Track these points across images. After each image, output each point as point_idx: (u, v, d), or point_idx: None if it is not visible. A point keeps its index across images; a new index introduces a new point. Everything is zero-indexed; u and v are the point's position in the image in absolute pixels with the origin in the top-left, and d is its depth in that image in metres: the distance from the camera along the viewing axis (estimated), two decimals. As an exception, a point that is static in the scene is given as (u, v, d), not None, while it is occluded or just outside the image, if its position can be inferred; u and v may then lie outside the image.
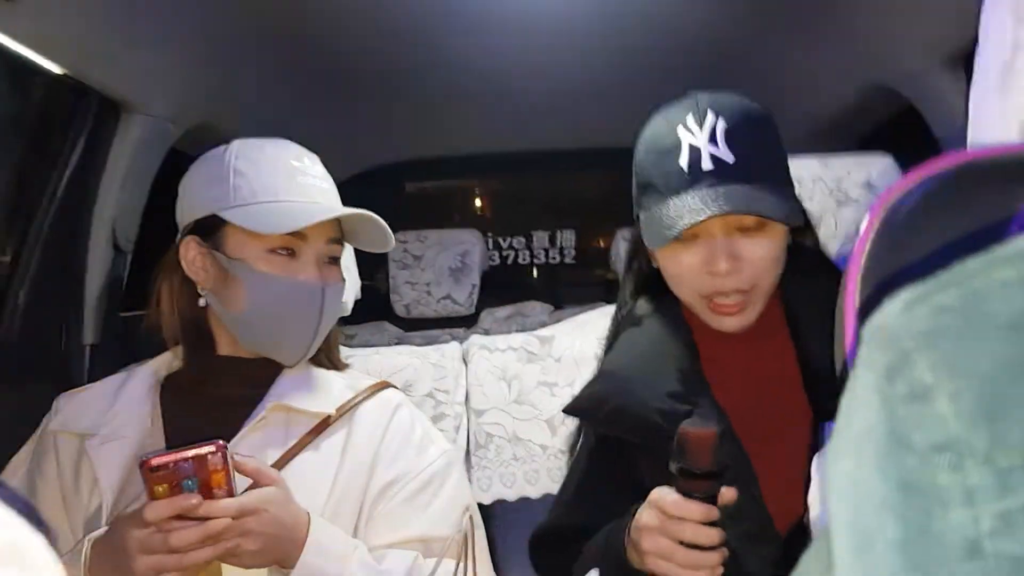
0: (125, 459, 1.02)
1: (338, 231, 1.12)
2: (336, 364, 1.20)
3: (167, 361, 1.15)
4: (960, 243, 0.28)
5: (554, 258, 3.85)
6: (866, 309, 0.30)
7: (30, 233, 1.43)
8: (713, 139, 0.93)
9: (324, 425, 1.08)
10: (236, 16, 1.58)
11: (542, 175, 3.89)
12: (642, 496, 0.95)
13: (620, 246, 2.74)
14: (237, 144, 1.10)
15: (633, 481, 1.02)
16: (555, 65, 2.14)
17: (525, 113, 2.54)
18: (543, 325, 1.71)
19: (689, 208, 0.92)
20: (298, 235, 1.05)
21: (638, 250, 1.12)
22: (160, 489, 0.86)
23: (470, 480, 1.38)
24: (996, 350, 0.22)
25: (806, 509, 0.85)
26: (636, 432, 1.00)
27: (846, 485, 0.24)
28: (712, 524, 0.82)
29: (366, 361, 1.45)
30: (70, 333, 1.50)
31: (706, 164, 0.93)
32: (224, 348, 1.12)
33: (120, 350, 1.56)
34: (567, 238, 3.85)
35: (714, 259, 0.95)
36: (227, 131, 1.72)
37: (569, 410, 1.10)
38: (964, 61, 1.57)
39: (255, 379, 1.10)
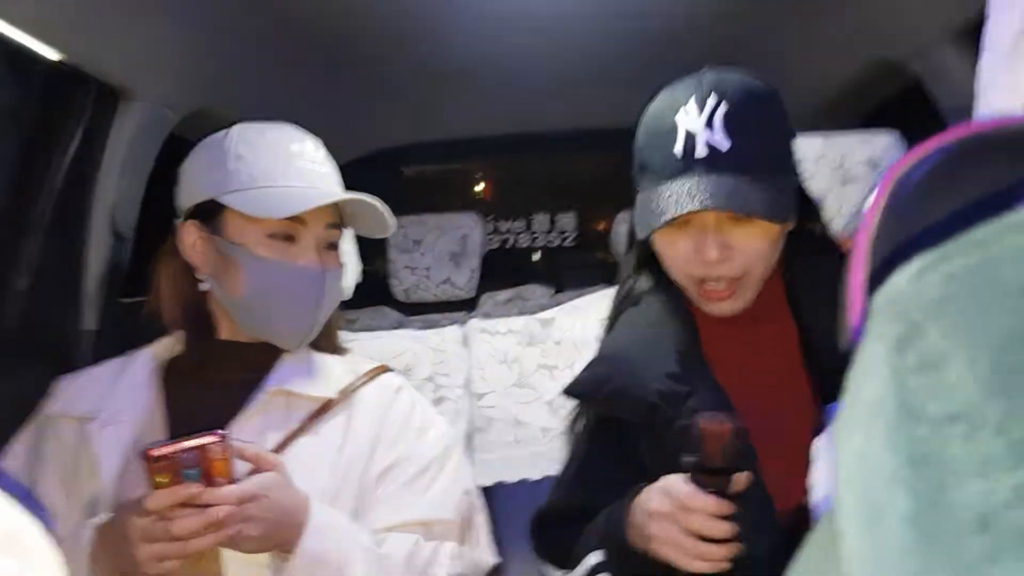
0: (125, 443, 1.02)
1: (338, 216, 1.11)
2: (336, 348, 1.20)
3: (168, 346, 1.15)
4: (968, 212, 0.27)
5: (554, 241, 3.85)
6: (873, 283, 0.30)
7: (30, 220, 1.42)
8: (710, 124, 0.92)
9: (324, 409, 1.08)
10: (234, 1, 1.57)
11: (542, 158, 3.88)
12: (642, 476, 0.95)
13: (621, 229, 2.73)
14: (237, 129, 1.10)
15: (633, 462, 1.02)
16: (555, 46, 2.13)
17: (524, 95, 2.52)
18: (543, 308, 1.71)
19: (676, 198, 0.91)
20: (297, 220, 1.04)
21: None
22: (161, 479, 0.86)
23: (471, 463, 1.38)
24: (1010, 318, 0.21)
25: (807, 491, 0.85)
26: (636, 413, 1.00)
27: (854, 460, 0.24)
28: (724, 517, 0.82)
29: (366, 345, 1.44)
30: (71, 319, 1.50)
31: (700, 151, 0.92)
32: (224, 333, 1.12)
33: (121, 336, 1.55)
34: (567, 221, 3.85)
35: (704, 247, 0.95)
36: (226, 116, 1.71)
37: (569, 392, 1.09)
38: (972, 35, 1.55)
39: (255, 363, 1.10)
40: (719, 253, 0.94)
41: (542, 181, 4.09)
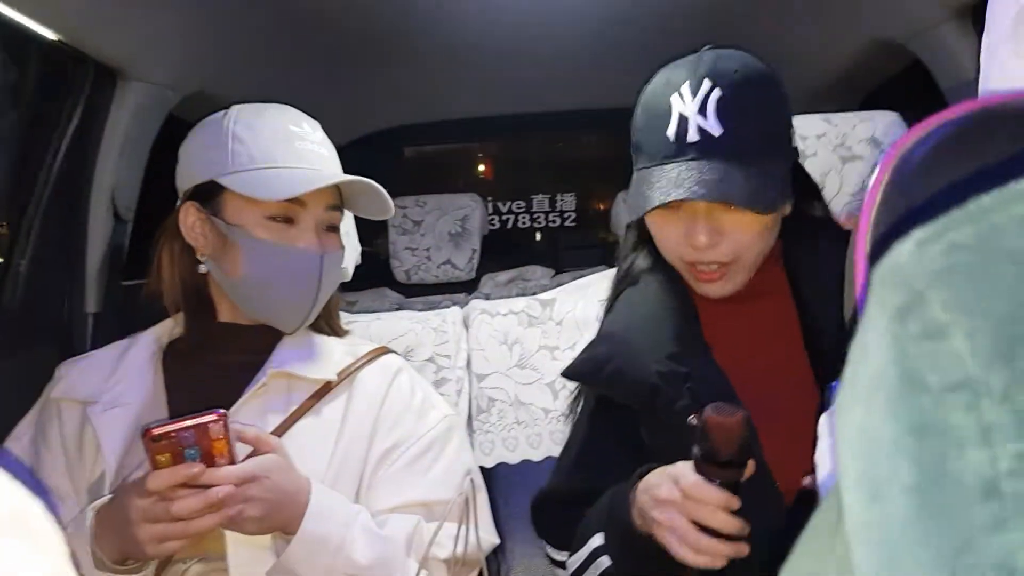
0: (128, 425, 1.03)
1: (337, 198, 1.11)
2: (336, 330, 1.20)
3: (168, 328, 1.15)
4: (969, 184, 0.27)
5: (554, 221, 3.84)
6: (875, 257, 0.30)
7: (30, 203, 1.42)
8: (703, 110, 0.92)
9: (325, 391, 1.08)
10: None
11: (541, 138, 3.87)
12: (643, 458, 0.95)
13: (620, 208, 2.73)
14: (236, 109, 1.10)
15: (634, 443, 1.03)
16: (554, 26, 2.11)
17: (524, 76, 2.51)
18: (544, 289, 1.71)
19: (664, 183, 0.92)
20: (297, 202, 1.04)
21: None
22: (162, 459, 0.86)
23: (472, 444, 1.38)
24: (1013, 287, 0.21)
25: (810, 469, 0.86)
26: (636, 395, 1.00)
27: (857, 433, 0.24)
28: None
29: (367, 327, 1.44)
30: (72, 302, 1.50)
31: (692, 136, 0.92)
32: (225, 315, 1.12)
33: (122, 318, 1.56)
34: (567, 201, 3.84)
35: (694, 232, 0.95)
36: (225, 97, 1.70)
37: (568, 373, 1.10)
38: (971, 15, 1.54)
39: (256, 346, 1.10)
40: (708, 239, 0.94)
41: (542, 161, 4.08)
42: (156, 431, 0.85)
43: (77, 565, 0.90)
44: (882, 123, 1.38)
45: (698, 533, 0.81)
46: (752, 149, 0.93)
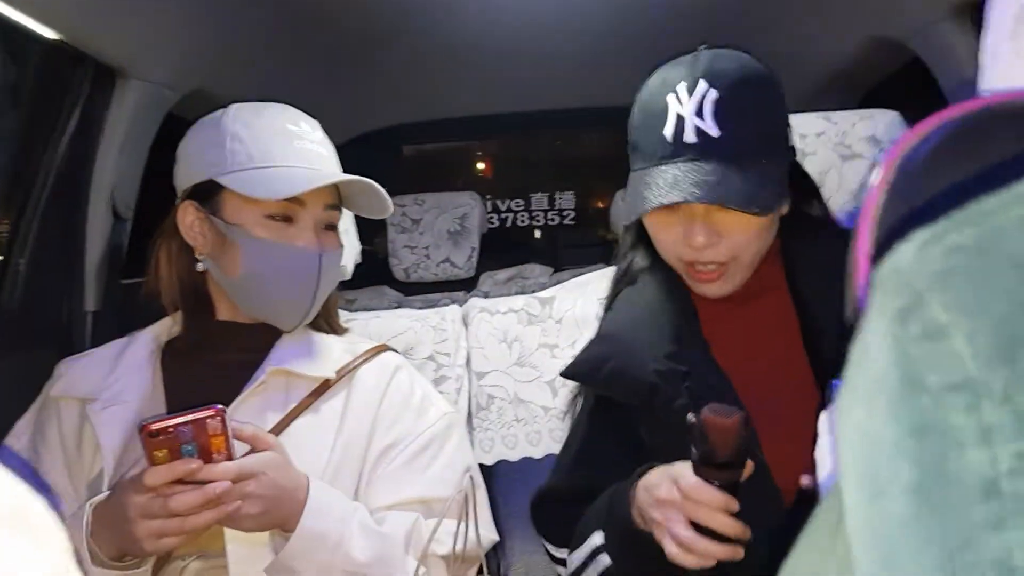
0: (126, 423, 1.03)
1: (336, 197, 1.11)
2: (335, 328, 1.20)
3: (167, 327, 1.15)
4: (969, 185, 0.27)
5: (553, 219, 3.84)
6: (877, 258, 0.30)
7: (29, 201, 1.42)
8: (700, 111, 0.92)
9: (323, 389, 1.08)
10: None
11: (540, 136, 3.87)
12: (642, 457, 0.95)
13: (619, 206, 2.73)
14: (235, 108, 1.09)
15: (633, 442, 1.03)
16: (553, 25, 2.11)
17: (523, 74, 2.51)
18: (543, 287, 1.71)
19: (662, 185, 0.91)
20: (296, 201, 1.04)
21: None
22: (160, 454, 0.86)
23: (472, 442, 1.38)
24: (1013, 289, 0.21)
25: (810, 467, 0.86)
26: (635, 394, 1.00)
27: (858, 433, 0.24)
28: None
29: (366, 325, 1.45)
30: (71, 300, 1.50)
31: (689, 136, 0.92)
32: (223, 313, 1.12)
33: (121, 317, 1.56)
34: (566, 199, 3.84)
35: (692, 233, 0.95)
36: (225, 95, 1.69)
37: (567, 373, 1.10)
38: (971, 12, 1.54)
39: (254, 344, 1.10)
40: (706, 239, 0.94)
41: (541, 160, 4.08)
42: (153, 426, 0.85)
43: (80, 562, 0.90)
44: (882, 121, 1.38)
45: (691, 533, 0.81)
46: (749, 150, 0.93)
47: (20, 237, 1.41)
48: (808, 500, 0.80)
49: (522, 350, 1.44)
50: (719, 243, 0.95)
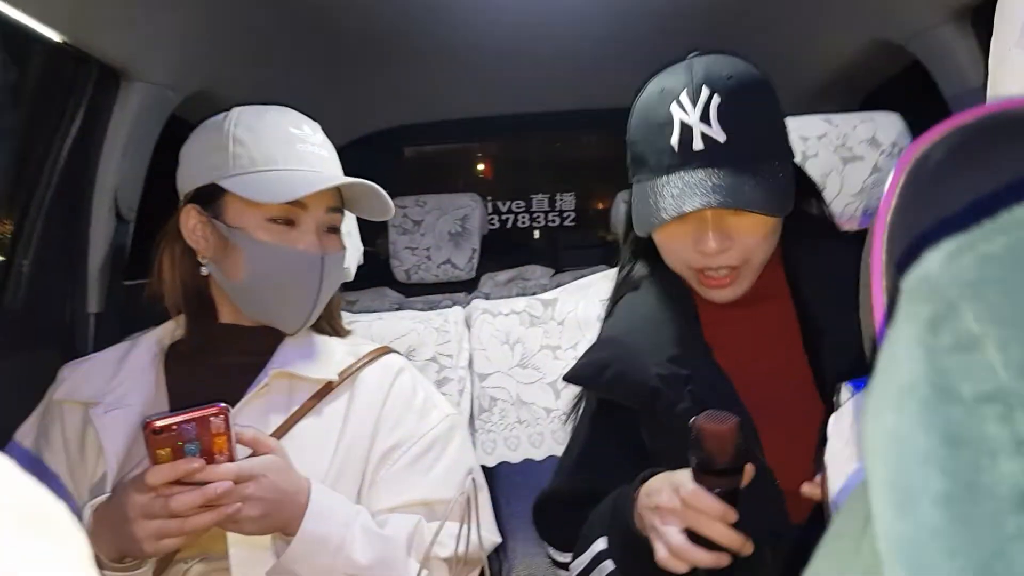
0: (130, 427, 1.03)
1: (338, 200, 1.11)
2: (338, 330, 1.20)
3: (170, 330, 1.15)
4: (994, 195, 0.27)
5: (554, 221, 3.84)
6: (900, 265, 0.30)
7: (32, 202, 1.42)
8: (706, 117, 0.92)
9: (326, 391, 1.08)
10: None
11: (541, 138, 3.87)
12: (644, 461, 0.96)
13: (620, 208, 2.73)
14: (237, 111, 1.10)
15: (636, 445, 1.03)
16: (554, 26, 2.11)
17: (524, 75, 2.51)
18: (544, 288, 1.71)
19: (676, 194, 0.91)
20: (298, 204, 1.04)
21: None
22: (163, 453, 0.86)
23: (474, 444, 1.38)
24: None
25: (811, 470, 0.86)
26: (637, 398, 1.00)
27: (887, 442, 0.24)
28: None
29: (369, 327, 1.45)
30: (74, 302, 1.50)
31: (697, 144, 0.92)
32: (226, 316, 1.12)
33: (124, 318, 1.56)
34: (566, 201, 3.84)
35: (703, 238, 0.95)
36: (226, 97, 1.70)
37: (570, 378, 1.09)
38: (971, 16, 1.54)
39: (257, 347, 1.10)
40: (718, 244, 0.94)
41: (542, 161, 4.08)
42: (157, 424, 0.85)
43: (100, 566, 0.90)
44: (883, 124, 1.38)
45: (682, 539, 0.81)
46: (756, 152, 0.93)
47: (23, 238, 1.41)
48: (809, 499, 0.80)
49: (524, 352, 1.44)
50: (731, 247, 0.95)
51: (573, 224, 3.82)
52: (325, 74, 2.25)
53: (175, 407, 1.05)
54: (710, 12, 1.96)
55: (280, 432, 1.03)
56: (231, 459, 0.89)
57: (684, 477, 0.83)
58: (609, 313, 1.15)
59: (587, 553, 0.99)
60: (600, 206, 3.90)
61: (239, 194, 1.02)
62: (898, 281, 0.29)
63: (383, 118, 2.86)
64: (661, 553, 0.82)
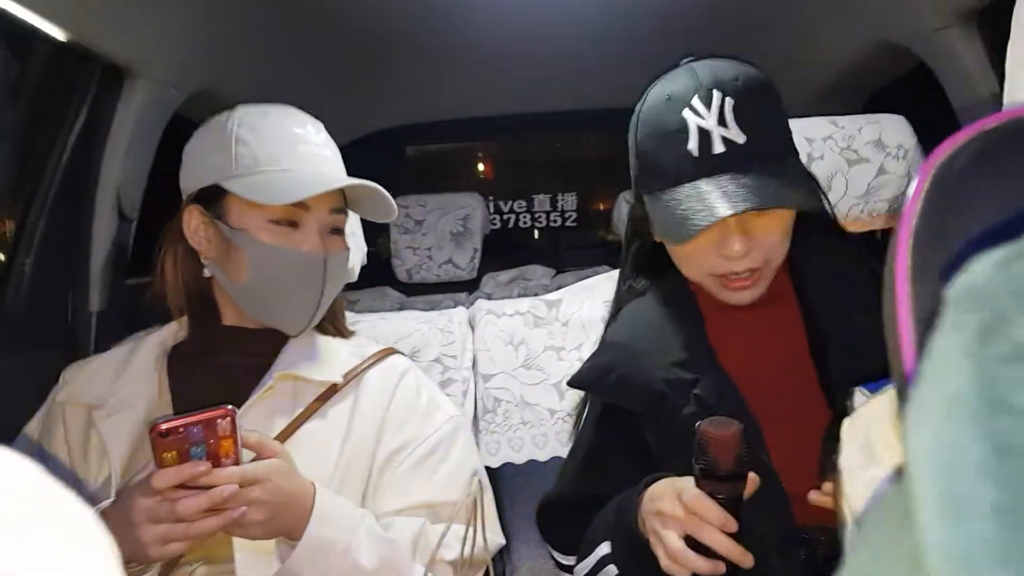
0: (133, 429, 1.02)
1: (341, 201, 1.10)
2: (342, 332, 1.20)
3: (173, 331, 1.15)
4: None
5: (555, 221, 3.83)
6: (926, 271, 0.30)
7: (35, 201, 1.42)
8: (722, 120, 0.91)
9: (331, 393, 1.08)
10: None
11: (542, 138, 3.87)
12: (649, 465, 0.95)
13: (621, 208, 2.74)
14: (240, 111, 1.09)
15: (640, 449, 1.03)
16: (555, 26, 2.11)
17: (525, 75, 2.51)
18: (545, 288, 1.71)
19: (706, 200, 0.90)
20: (301, 205, 1.03)
21: (638, 228, 1.11)
22: (168, 456, 0.85)
23: (478, 445, 1.38)
24: None
25: (817, 474, 0.86)
26: (641, 402, 1.00)
27: (934, 452, 0.24)
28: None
29: (373, 327, 1.44)
30: (76, 301, 1.50)
31: (717, 147, 0.91)
32: (229, 318, 1.12)
33: (126, 317, 1.56)
34: (568, 201, 3.83)
35: (727, 242, 0.94)
36: (230, 96, 1.69)
37: (574, 382, 1.09)
38: (976, 18, 1.54)
39: (261, 349, 1.10)
40: (742, 247, 0.93)
41: (543, 161, 4.07)
42: (164, 426, 0.85)
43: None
44: (888, 126, 1.38)
45: (680, 545, 0.80)
46: (776, 150, 0.93)
47: (25, 237, 1.41)
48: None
49: (528, 352, 1.44)
50: (755, 248, 0.95)
51: (575, 224, 3.82)
52: (327, 73, 2.25)
53: (179, 409, 1.05)
54: (711, 12, 1.96)
55: (285, 435, 1.02)
56: (237, 462, 0.88)
57: (687, 484, 0.82)
58: (613, 316, 1.15)
59: (591, 557, 0.98)
60: (602, 207, 3.90)
61: (241, 195, 1.02)
62: (922, 286, 0.28)
63: (384, 118, 2.86)
64: (664, 561, 0.82)
